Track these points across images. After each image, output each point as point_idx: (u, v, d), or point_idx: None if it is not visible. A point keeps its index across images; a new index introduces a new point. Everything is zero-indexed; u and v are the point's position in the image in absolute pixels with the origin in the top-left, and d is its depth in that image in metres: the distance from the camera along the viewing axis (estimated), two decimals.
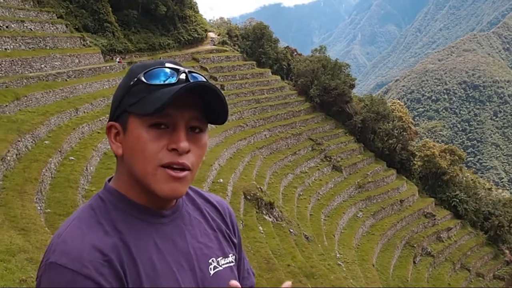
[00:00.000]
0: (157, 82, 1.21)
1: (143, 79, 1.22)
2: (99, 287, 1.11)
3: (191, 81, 1.23)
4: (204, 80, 1.26)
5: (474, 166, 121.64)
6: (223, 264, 1.39)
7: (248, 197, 25.33)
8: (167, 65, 1.25)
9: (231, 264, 1.43)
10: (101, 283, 1.12)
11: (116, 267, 1.15)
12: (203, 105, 1.25)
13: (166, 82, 1.21)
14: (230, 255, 1.44)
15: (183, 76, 1.23)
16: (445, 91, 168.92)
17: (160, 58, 36.44)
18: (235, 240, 1.52)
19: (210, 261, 1.36)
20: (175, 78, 1.22)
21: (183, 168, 1.22)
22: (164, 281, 1.23)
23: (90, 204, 1.28)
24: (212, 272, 1.35)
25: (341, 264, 27.77)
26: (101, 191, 1.32)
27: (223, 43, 48.85)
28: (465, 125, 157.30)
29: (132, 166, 1.24)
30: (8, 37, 23.32)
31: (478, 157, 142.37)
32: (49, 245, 1.21)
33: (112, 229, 1.21)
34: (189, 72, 1.25)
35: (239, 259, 1.54)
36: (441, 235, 42.56)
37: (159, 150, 1.20)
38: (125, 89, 1.25)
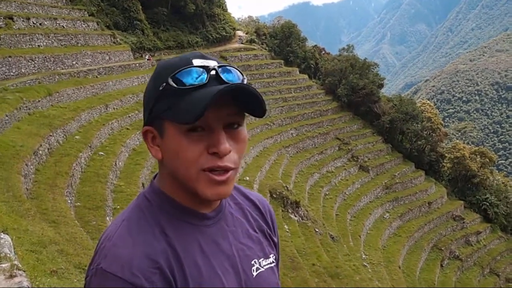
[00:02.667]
0: (187, 85, 1.15)
1: (172, 83, 1.15)
2: None
3: (223, 77, 1.17)
4: (237, 74, 1.21)
5: (506, 169, 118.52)
6: (265, 265, 1.37)
7: (274, 195, 25.32)
8: (195, 62, 1.18)
9: (272, 264, 1.40)
10: None
11: (166, 274, 1.14)
12: (242, 100, 1.18)
13: (197, 83, 1.14)
14: (271, 256, 1.41)
15: (213, 73, 1.17)
16: (476, 92, 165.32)
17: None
18: (275, 240, 1.50)
19: (252, 262, 1.34)
20: (205, 77, 1.16)
21: (226, 169, 1.19)
22: (210, 284, 1.21)
23: (137, 204, 1.27)
24: (255, 273, 1.33)
25: (367, 265, 27.50)
26: (147, 191, 1.30)
27: (251, 41, 48.87)
28: (497, 127, 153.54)
29: (174, 170, 1.21)
30: (41, 34, 23.85)
31: (510, 160, 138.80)
32: (99, 247, 1.19)
33: (160, 233, 1.19)
34: (219, 67, 1.19)
35: (278, 259, 1.52)
36: (470, 239, 41.73)
37: (199, 154, 1.16)
38: (154, 94, 1.19)
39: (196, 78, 1.15)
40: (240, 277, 1.28)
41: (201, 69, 1.17)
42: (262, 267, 1.36)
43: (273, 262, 1.41)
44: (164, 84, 1.16)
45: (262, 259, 1.37)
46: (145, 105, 1.25)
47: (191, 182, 1.19)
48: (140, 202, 1.27)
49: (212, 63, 1.19)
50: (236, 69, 1.23)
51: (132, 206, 1.27)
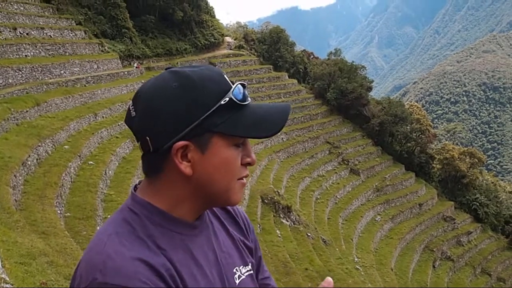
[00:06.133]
0: (248, 100, 1.23)
1: (235, 98, 1.19)
2: None
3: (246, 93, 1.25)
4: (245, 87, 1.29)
5: (495, 169, 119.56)
6: (245, 273, 1.38)
7: (265, 200, 25.31)
8: (227, 78, 1.25)
9: (251, 271, 1.42)
10: None
11: (170, 284, 1.11)
12: None
13: (249, 101, 1.23)
14: (249, 263, 1.43)
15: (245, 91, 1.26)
16: (464, 93, 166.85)
17: (178, 63, 36.78)
18: (250, 245, 1.49)
19: (234, 270, 1.35)
20: (246, 94, 1.24)
21: None
22: None
23: (123, 217, 1.20)
24: (237, 281, 1.34)
25: (359, 268, 27.55)
26: (130, 203, 1.24)
27: (240, 47, 48.94)
28: (485, 127, 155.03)
29: (210, 184, 1.21)
30: (28, 44, 23.73)
31: (499, 159, 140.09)
32: (88, 263, 1.11)
33: (154, 245, 1.16)
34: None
35: (259, 259, 1.53)
36: (461, 239, 41.98)
37: (240, 166, 1.24)
38: (203, 108, 1.16)
39: (247, 95, 1.23)
40: (225, 285, 1.28)
41: (242, 86, 1.23)
42: (243, 275, 1.37)
43: (251, 269, 1.42)
44: (227, 99, 1.17)
45: (242, 266, 1.39)
46: (176, 120, 1.15)
47: (229, 191, 1.24)
48: (126, 215, 1.21)
49: (243, 83, 1.27)
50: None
51: (116, 220, 1.20)
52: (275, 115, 1.22)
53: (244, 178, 1.26)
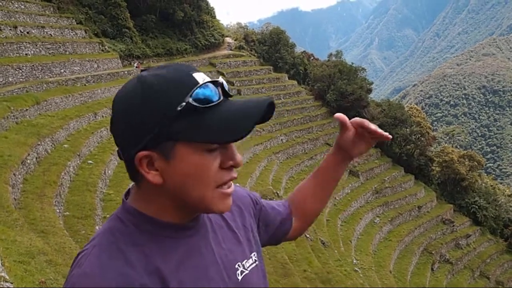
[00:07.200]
0: (214, 102, 1.10)
1: (195, 103, 1.08)
2: None
3: (227, 90, 1.15)
4: (223, 84, 1.16)
5: (494, 172, 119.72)
6: (249, 267, 1.35)
7: None
8: (196, 76, 1.12)
9: (255, 264, 1.38)
10: None
11: None
12: None
13: (216, 100, 1.10)
14: (252, 255, 1.39)
15: (219, 89, 1.14)
16: (463, 96, 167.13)
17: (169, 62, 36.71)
18: (255, 233, 1.48)
19: (236, 266, 1.31)
20: (220, 93, 1.13)
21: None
22: None
23: (109, 226, 1.18)
24: (240, 277, 1.30)
25: (358, 270, 27.54)
26: (119, 211, 1.21)
27: (240, 48, 48.98)
28: (485, 131, 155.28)
29: (182, 193, 1.14)
30: (29, 42, 23.72)
31: (498, 163, 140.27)
32: (70, 272, 1.12)
33: (137, 256, 1.12)
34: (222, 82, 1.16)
35: (266, 205, 1.56)
36: (460, 242, 41.99)
37: (216, 172, 1.13)
38: (162, 116, 1.08)
39: (214, 95, 1.11)
40: (226, 284, 1.25)
41: (214, 85, 1.13)
42: (246, 269, 1.33)
43: (256, 260, 1.39)
44: (184, 104, 1.08)
45: (245, 260, 1.35)
46: (138, 127, 1.10)
47: (206, 201, 1.15)
48: (112, 224, 1.18)
49: (219, 80, 1.16)
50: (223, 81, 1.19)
51: (103, 230, 1.19)
52: (245, 114, 1.09)
53: (225, 186, 1.16)
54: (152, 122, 1.09)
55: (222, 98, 1.12)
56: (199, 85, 1.10)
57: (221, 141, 1.09)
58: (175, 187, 1.14)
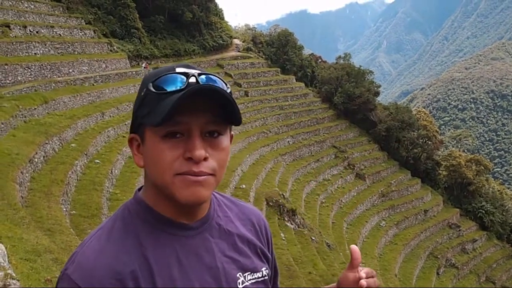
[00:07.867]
0: (166, 89, 1.16)
1: (151, 88, 1.18)
2: None
3: (201, 83, 1.17)
4: (215, 80, 1.21)
5: (501, 177, 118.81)
6: (251, 280, 1.34)
7: (270, 203, 25.28)
8: (178, 69, 1.19)
9: (261, 279, 1.37)
10: None
11: (128, 286, 1.13)
12: (218, 107, 1.17)
13: (174, 88, 1.15)
14: (262, 269, 1.38)
15: (192, 79, 1.17)
16: (472, 100, 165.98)
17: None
18: (268, 255, 1.46)
19: (237, 275, 1.31)
20: (184, 83, 1.16)
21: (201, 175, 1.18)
22: None
23: (117, 214, 1.28)
24: (240, 286, 1.30)
25: None
26: (130, 201, 1.31)
27: (248, 49, 49.03)
28: (492, 135, 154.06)
29: (153, 177, 1.21)
30: (38, 42, 23.88)
31: (506, 167, 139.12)
32: (74, 251, 1.22)
33: (133, 243, 1.19)
34: (200, 74, 1.19)
35: (275, 275, 1.50)
36: (466, 247, 41.73)
37: (174, 159, 1.16)
38: (138, 100, 1.23)
39: (175, 83, 1.17)
40: None
41: (181, 76, 1.18)
42: (248, 281, 1.33)
43: (264, 276, 1.38)
44: (145, 89, 1.20)
45: (249, 273, 1.34)
46: (132, 113, 1.29)
47: (167, 187, 1.18)
48: (120, 212, 1.29)
49: (193, 71, 1.20)
50: (220, 78, 1.22)
51: (112, 216, 1.29)
52: (172, 100, 1.13)
53: (188, 174, 1.16)
54: (135, 107, 1.25)
55: (186, 88, 1.15)
56: (162, 74, 1.19)
57: (152, 124, 1.15)
58: (148, 171, 1.24)
